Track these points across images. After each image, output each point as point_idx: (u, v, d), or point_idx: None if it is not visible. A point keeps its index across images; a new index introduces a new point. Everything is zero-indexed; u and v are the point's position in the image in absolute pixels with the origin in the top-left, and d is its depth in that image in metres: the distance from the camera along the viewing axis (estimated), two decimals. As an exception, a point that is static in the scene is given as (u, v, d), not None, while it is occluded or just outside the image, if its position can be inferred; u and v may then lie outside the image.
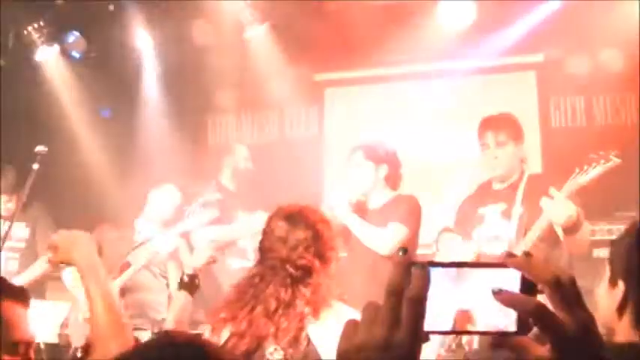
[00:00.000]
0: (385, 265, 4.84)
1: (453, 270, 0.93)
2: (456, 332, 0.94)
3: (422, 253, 6.18)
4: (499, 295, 0.91)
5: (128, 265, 5.31)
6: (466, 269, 0.94)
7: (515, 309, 0.92)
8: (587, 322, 0.91)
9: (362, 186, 5.21)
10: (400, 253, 0.92)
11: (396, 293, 0.90)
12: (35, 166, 5.18)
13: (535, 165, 7.58)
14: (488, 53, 7.50)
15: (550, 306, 0.91)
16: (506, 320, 0.92)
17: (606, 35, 6.96)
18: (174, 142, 7.79)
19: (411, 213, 5.06)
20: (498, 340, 0.94)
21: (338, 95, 8.63)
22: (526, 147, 5.05)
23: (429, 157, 8.14)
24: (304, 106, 8.57)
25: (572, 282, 0.92)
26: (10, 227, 5.67)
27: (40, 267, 6.37)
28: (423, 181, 7.95)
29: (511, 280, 0.93)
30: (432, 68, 8.11)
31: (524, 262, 0.93)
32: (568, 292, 0.91)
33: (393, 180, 5.24)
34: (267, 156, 8.12)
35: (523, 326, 0.92)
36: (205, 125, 8.61)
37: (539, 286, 0.92)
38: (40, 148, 5.26)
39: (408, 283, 0.90)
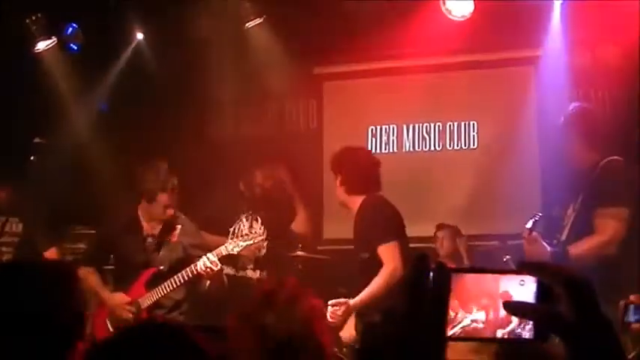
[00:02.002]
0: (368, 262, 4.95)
1: (471, 275, 0.93)
2: (474, 339, 0.94)
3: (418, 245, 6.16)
4: (508, 306, 0.91)
5: (157, 273, 5.35)
6: (485, 275, 0.94)
7: (526, 319, 0.92)
8: (604, 326, 0.90)
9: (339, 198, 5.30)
10: (418, 261, 0.92)
11: (416, 293, 0.90)
12: (32, 158, 5.22)
13: (533, 159, 7.60)
14: (487, 47, 7.49)
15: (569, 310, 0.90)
16: (525, 326, 0.93)
17: (605, 30, 6.97)
18: (173, 136, 7.78)
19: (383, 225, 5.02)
20: (517, 347, 0.93)
21: (337, 89, 8.63)
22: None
23: (428, 150, 8.15)
24: (303, 100, 8.57)
25: (588, 285, 0.90)
26: (4, 224, 5.70)
27: None
28: (422, 174, 7.97)
29: (529, 284, 0.93)
30: (432, 62, 8.11)
31: (539, 266, 0.93)
32: (584, 296, 0.90)
33: (349, 186, 5.14)
34: (266, 150, 8.11)
35: (541, 332, 0.92)
36: (204, 118, 8.59)
37: (557, 291, 0.91)
38: (37, 140, 5.28)
39: (425, 287, 0.90)
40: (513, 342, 0.92)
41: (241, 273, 6.18)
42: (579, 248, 4.47)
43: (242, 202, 6.54)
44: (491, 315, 0.92)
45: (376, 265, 4.87)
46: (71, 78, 7.62)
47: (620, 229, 4.45)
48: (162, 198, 5.38)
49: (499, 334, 0.93)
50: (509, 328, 0.92)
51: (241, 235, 5.33)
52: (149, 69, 7.96)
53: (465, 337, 0.93)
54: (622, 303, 3.67)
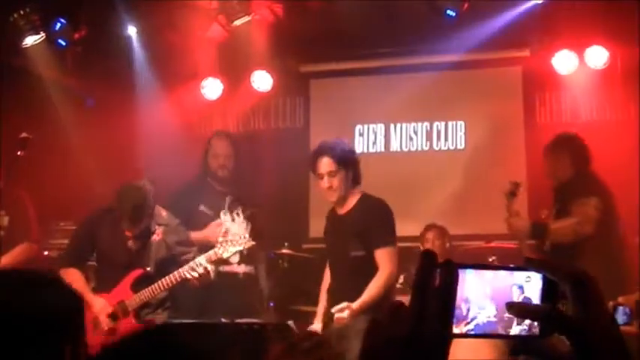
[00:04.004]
0: (362, 261, 4.95)
1: (479, 272, 0.93)
2: (479, 335, 0.94)
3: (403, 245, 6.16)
4: (511, 307, 0.91)
5: (143, 274, 5.34)
6: (491, 271, 0.94)
7: (529, 319, 0.92)
8: (609, 321, 0.91)
9: None
10: (425, 258, 0.92)
11: (422, 290, 0.90)
12: (19, 153, 5.19)
13: (520, 160, 7.63)
14: (475, 47, 7.52)
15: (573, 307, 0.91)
16: (529, 324, 0.93)
17: (592, 31, 7.00)
18: (159, 132, 7.75)
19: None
20: (522, 345, 0.94)
21: (324, 87, 8.63)
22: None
23: (415, 150, 8.16)
24: (290, 98, 8.56)
25: (593, 281, 0.91)
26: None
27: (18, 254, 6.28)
28: (409, 174, 7.98)
29: (535, 281, 0.94)
30: (418, 61, 8.13)
31: (544, 263, 0.93)
32: (589, 293, 0.90)
33: (356, 180, 5.21)
34: (253, 147, 8.10)
35: (545, 329, 0.93)
36: (191, 115, 8.56)
37: (562, 287, 0.92)
38: (24, 135, 5.25)
39: (432, 284, 0.90)
40: (523, 339, 0.93)
41: (227, 268, 6.13)
42: (557, 224, 5.47)
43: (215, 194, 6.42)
44: (500, 312, 0.92)
45: (370, 265, 4.87)
46: (59, 73, 7.59)
47: (590, 212, 5.35)
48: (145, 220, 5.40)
49: (509, 331, 0.93)
50: (521, 325, 0.93)
51: (231, 240, 5.31)
52: (137, 63, 7.88)
53: (467, 334, 0.93)
54: (610, 304, 3.75)
